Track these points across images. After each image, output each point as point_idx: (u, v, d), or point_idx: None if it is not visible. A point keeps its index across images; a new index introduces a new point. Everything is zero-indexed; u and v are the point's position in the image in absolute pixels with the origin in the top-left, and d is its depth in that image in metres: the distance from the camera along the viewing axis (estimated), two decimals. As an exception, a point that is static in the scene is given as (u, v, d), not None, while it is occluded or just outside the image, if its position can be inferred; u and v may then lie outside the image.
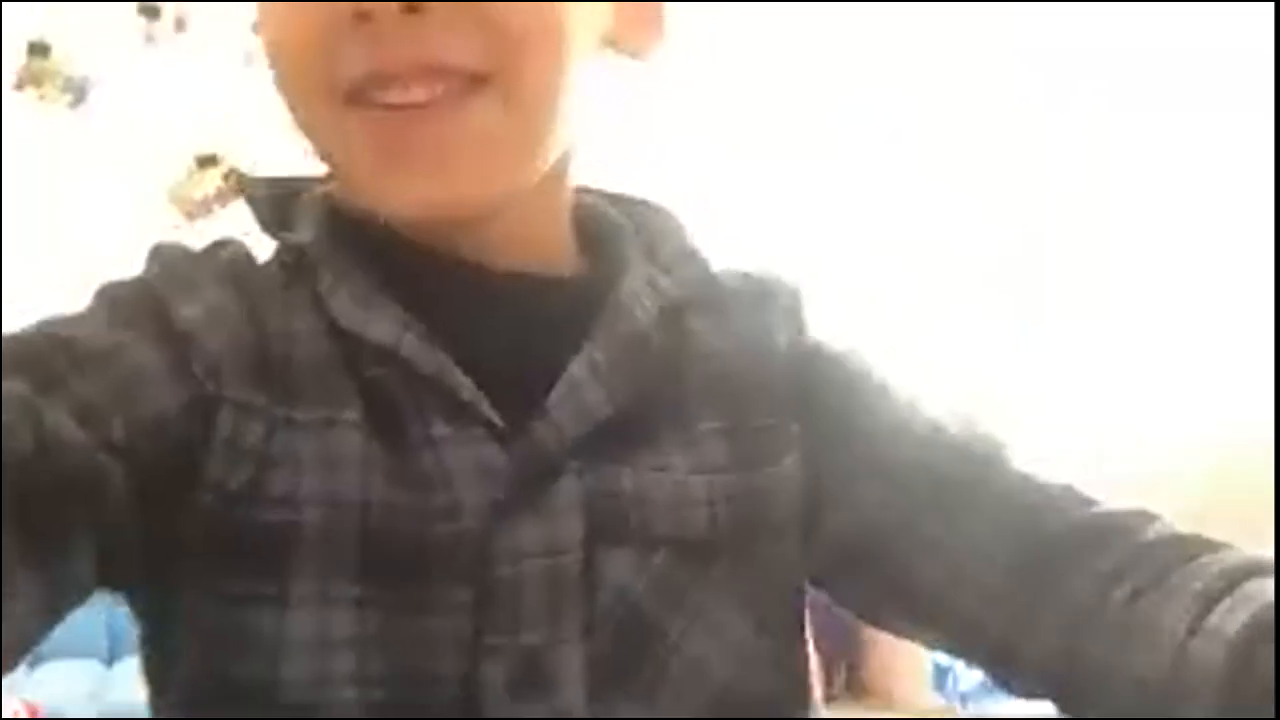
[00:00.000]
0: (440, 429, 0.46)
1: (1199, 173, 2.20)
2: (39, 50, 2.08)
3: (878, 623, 0.54)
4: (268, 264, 0.50)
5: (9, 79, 2.07)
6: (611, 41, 0.50)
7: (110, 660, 2.27)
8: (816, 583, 0.54)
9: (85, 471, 0.42)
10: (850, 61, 2.15)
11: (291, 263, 0.50)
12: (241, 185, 0.52)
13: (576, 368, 0.48)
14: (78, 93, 2.09)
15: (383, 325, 0.47)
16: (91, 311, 0.47)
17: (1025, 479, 0.51)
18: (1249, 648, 0.38)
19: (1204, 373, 2.24)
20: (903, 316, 2.17)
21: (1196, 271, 2.23)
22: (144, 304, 0.47)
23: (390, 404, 0.47)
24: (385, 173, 0.45)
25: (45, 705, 1.68)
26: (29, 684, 1.85)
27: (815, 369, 0.54)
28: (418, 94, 0.44)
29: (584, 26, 0.47)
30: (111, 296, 0.47)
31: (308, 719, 0.44)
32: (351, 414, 0.46)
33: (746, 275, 0.56)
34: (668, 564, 0.48)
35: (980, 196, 2.19)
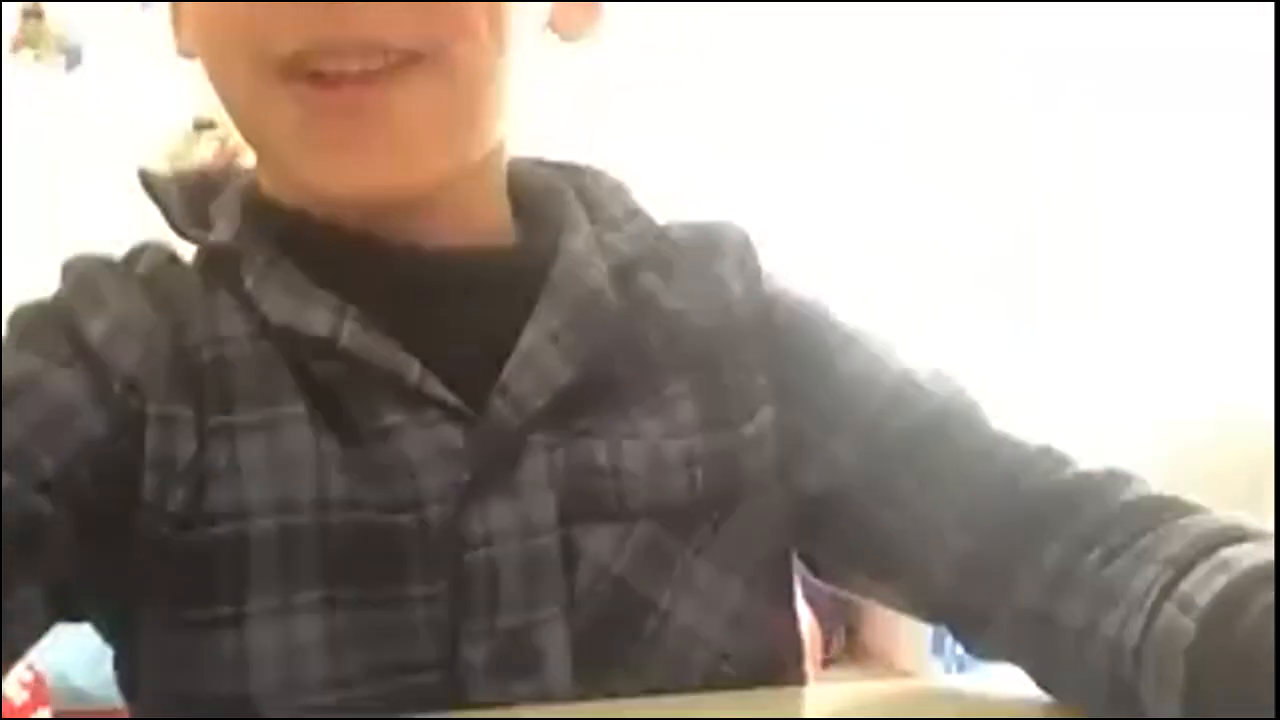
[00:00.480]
0: (394, 417, 0.44)
1: (1198, 173, 2.20)
2: (33, 13, 2.06)
3: (843, 583, 0.53)
4: (188, 266, 0.48)
5: (5, 40, 2.05)
6: (550, 24, 0.49)
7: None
8: (792, 538, 0.53)
9: (19, 519, 0.40)
10: (840, 61, 2.14)
11: (212, 262, 0.47)
12: (148, 185, 0.48)
13: (530, 336, 0.46)
14: (73, 55, 2.07)
15: (318, 315, 0.44)
16: (16, 336, 0.44)
17: (1000, 437, 0.49)
18: (1221, 616, 0.38)
19: (1201, 371, 2.24)
20: (894, 314, 2.16)
21: (1194, 270, 2.23)
22: (54, 325, 0.44)
23: (337, 397, 0.44)
24: (318, 151, 0.43)
25: (50, 672, 1.67)
26: (33, 650, 1.84)
27: (779, 319, 0.52)
28: (352, 66, 0.42)
29: (524, 7, 0.45)
30: (22, 324, 0.45)
31: None
32: (297, 410, 0.44)
33: (693, 226, 0.54)
34: (651, 534, 0.46)
35: (972, 195, 2.18)
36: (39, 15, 2.06)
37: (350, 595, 0.44)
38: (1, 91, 2.00)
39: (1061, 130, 2.18)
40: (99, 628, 0.48)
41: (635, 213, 0.53)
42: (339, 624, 0.43)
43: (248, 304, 0.46)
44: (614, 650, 0.46)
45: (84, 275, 0.47)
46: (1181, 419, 2.21)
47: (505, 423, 0.45)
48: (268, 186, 0.49)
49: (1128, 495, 0.46)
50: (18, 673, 1.72)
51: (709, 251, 0.53)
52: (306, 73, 0.42)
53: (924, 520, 0.48)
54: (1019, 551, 0.46)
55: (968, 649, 0.49)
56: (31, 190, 1.96)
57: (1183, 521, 0.43)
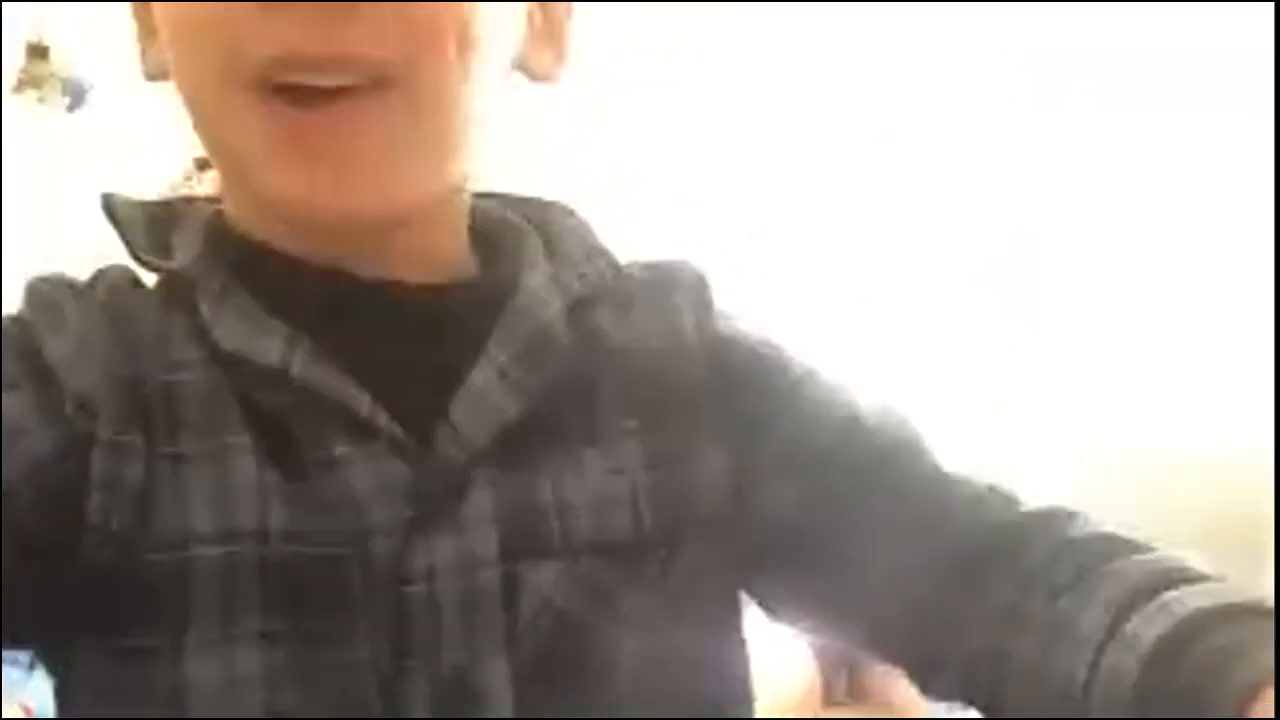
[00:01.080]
0: (341, 449, 0.44)
1: (1198, 173, 2.20)
2: (37, 52, 2.07)
3: (795, 623, 0.53)
4: (149, 292, 0.48)
5: (8, 81, 2.07)
6: (521, 64, 0.50)
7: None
8: (744, 578, 0.53)
9: None
10: (839, 62, 2.14)
11: (169, 289, 0.47)
12: (110, 210, 0.49)
13: (479, 372, 0.46)
14: (76, 95, 2.08)
15: (270, 344, 0.45)
16: None
17: (946, 477, 0.49)
18: (1165, 656, 0.38)
19: (1202, 373, 2.24)
20: (893, 318, 2.17)
21: (1195, 272, 2.22)
22: (14, 344, 0.45)
23: (285, 427, 0.44)
24: (283, 163, 0.43)
25: (39, 708, 1.67)
26: (28, 688, 1.84)
27: (731, 360, 0.52)
28: (324, 81, 0.42)
29: (494, 41, 0.46)
30: None
31: None
32: (243, 441, 0.44)
33: (650, 266, 0.54)
34: (594, 570, 0.46)
35: (972, 195, 2.18)
36: (43, 55, 2.07)
37: (290, 629, 0.43)
38: (2, 132, 2.02)
39: (1061, 131, 2.18)
40: (41, 658, 0.48)
41: (594, 251, 0.53)
42: (278, 659, 0.43)
43: (201, 331, 0.46)
44: (557, 690, 0.46)
45: (46, 295, 0.47)
46: (1181, 420, 2.20)
47: (450, 458, 0.45)
48: (232, 215, 0.50)
49: (1073, 532, 0.46)
50: (13, 709, 1.72)
51: (664, 290, 0.54)
52: (277, 85, 0.42)
53: (872, 562, 0.48)
54: (968, 591, 0.46)
55: (923, 689, 0.50)
56: (32, 228, 1.97)
57: (1128, 561, 0.44)
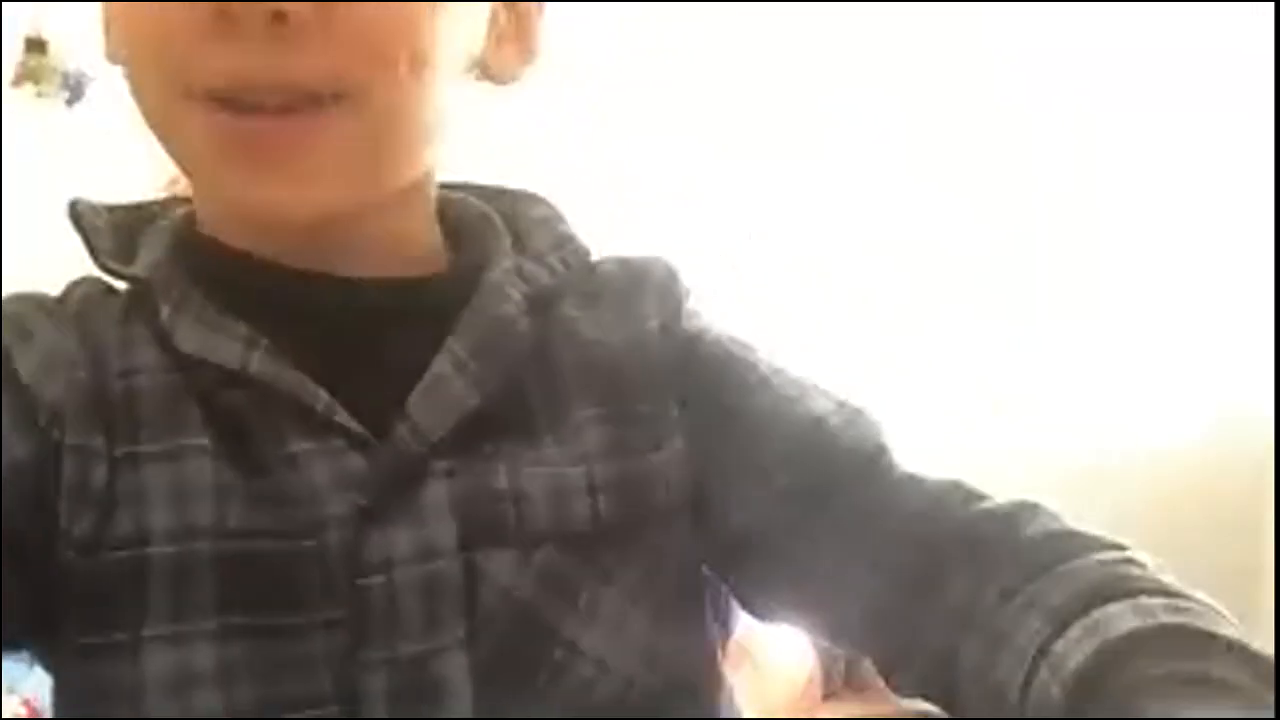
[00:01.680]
0: (299, 444, 0.45)
1: (1198, 173, 2.20)
2: (36, 46, 2.07)
3: (769, 617, 0.53)
4: (116, 299, 0.49)
5: (6, 76, 2.06)
6: (482, 65, 0.50)
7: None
8: (717, 573, 0.53)
9: None
10: (839, 62, 2.14)
11: (133, 296, 0.48)
12: (75, 216, 0.49)
13: (437, 365, 0.47)
14: (75, 89, 2.08)
15: (228, 346, 0.45)
16: None
17: (908, 479, 0.49)
18: (1082, 689, 0.38)
19: (1201, 370, 2.24)
20: (893, 318, 2.17)
21: (1194, 270, 2.23)
22: None
23: (244, 426, 0.45)
24: (233, 174, 0.44)
25: (46, 702, 1.67)
26: (30, 682, 1.84)
27: (696, 357, 0.52)
28: (273, 101, 0.42)
29: (450, 49, 0.46)
30: None
31: None
32: (200, 440, 0.45)
33: (623, 261, 0.55)
34: (553, 560, 0.46)
35: (971, 195, 2.18)
36: (42, 48, 2.07)
37: (246, 624, 0.44)
38: (1, 125, 2.02)
39: (1061, 130, 2.18)
40: (38, 661, 0.49)
41: (562, 241, 0.53)
42: (234, 654, 0.43)
43: (162, 335, 0.47)
44: (517, 680, 0.46)
45: (14, 313, 0.48)
46: (1181, 419, 2.20)
47: (407, 449, 0.45)
48: (200, 216, 0.50)
49: (1029, 531, 0.45)
50: (14, 705, 1.73)
51: (633, 283, 0.54)
52: (224, 99, 0.43)
53: (832, 560, 0.48)
54: (925, 590, 0.46)
55: (888, 684, 0.50)
56: (31, 223, 1.97)
57: (1073, 565, 0.43)
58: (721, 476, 0.51)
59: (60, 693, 0.47)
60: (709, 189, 2.11)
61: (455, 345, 0.47)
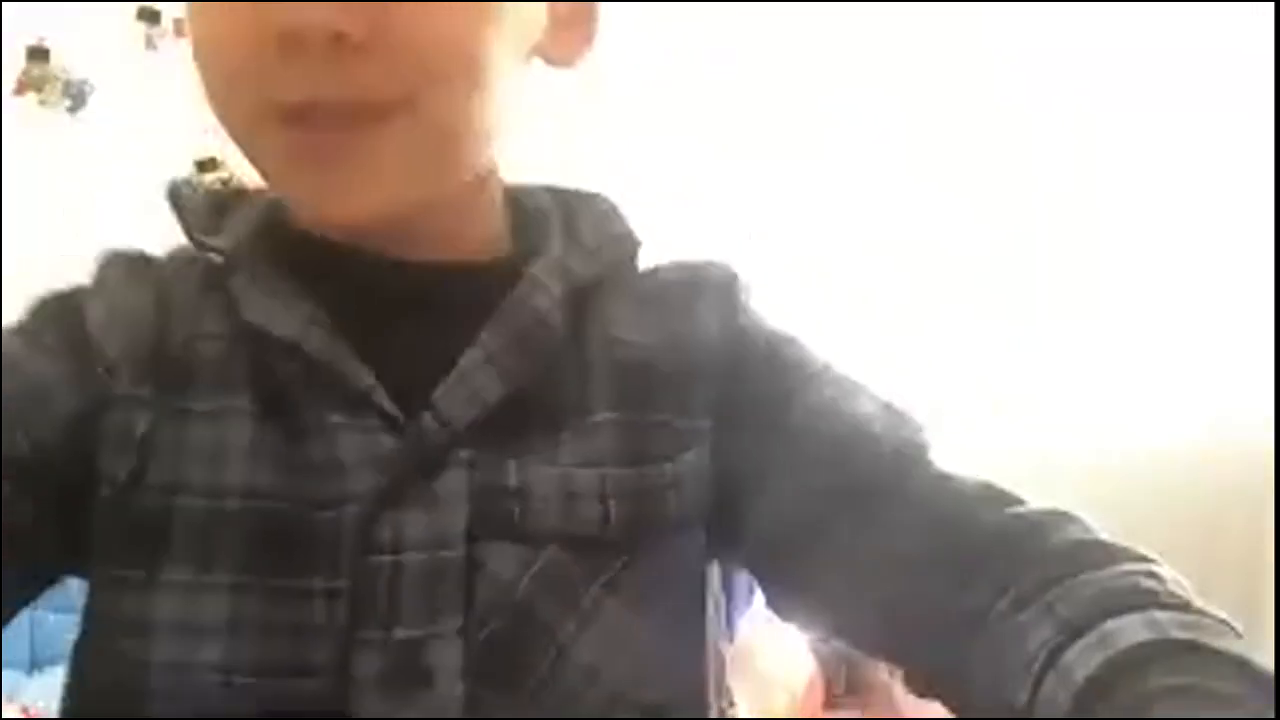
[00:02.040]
0: (336, 418, 0.47)
1: (1198, 173, 2.20)
2: (38, 55, 2.08)
3: (795, 621, 0.54)
4: (199, 269, 0.51)
5: (9, 84, 2.07)
6: (542, 51, 0.51)
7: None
8: (754, 573, 0.53)
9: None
10: (839, 62, 2.15)
11: (213, 268, 0.51)
12: (175, 196, 0.52)
13: (469, 356, 0.48)
14: (77, 98, 2.08)
15: (288, 320, 0.48)
16: (17, 324, 0.50)
17: (943, 482, 0.49)
18: (1092, 697, 0.38)
19: (1202, 374, 2.24)
20: (893, 317, 2.17)
21: (1194, 272, 2.23)
22: (62, 313, 0.49)
23: (290, 395, 0.47)
24: (303, 187, 0.47)
25: (44, 710, 1.67)
26: (29, 690, 1.84)
27: (744, 352, 0.53)
28: (340, 115, 0.45)
29: (508, 46, 0.47)
30: (34, 310, 0.50)
31: (172, 703, 0.45)
32: (245, 404, 0.47)
33: (681, 266, 0.55)
34: (557, 561, 0.47)
35: (972, 197, 2.18)
36: (44, 57, 2.07)
37: (258, 584, 0.45)
38: (2, 134, 2.02)
39: (1061, 131, 2.18)
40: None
41: (611, 239, 0.54)
42: (241, 610, 0.45)
43: (231, 305, 0.49)
44: (508, 678, 0.46)
45: (102, 265, 0.52)
46: (1181, 419, 2.20)
47: (430, 436, 0.47)
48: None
49: (1056, 540, 0.46)
50: (13, 711, 1.73)
51: (691, 289, 0.55)
52: (295, 116, 0.45)
53: (863, 559, 0.49)
54: (948, 591, 0.46)
55: (903, 679, 0.50)
56: (32, 228, 1.98)
57: (1091, 576, 0.43)
58: (763, 471, 0.51)
59: (83, 617, 0.49)
60: (710, 189, 2.11)
61: (487, 337, 0.48)
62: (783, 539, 0.50)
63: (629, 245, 0.54)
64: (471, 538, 0.46)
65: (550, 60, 0.52)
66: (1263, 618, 1.87)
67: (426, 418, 0.47)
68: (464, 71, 0.46)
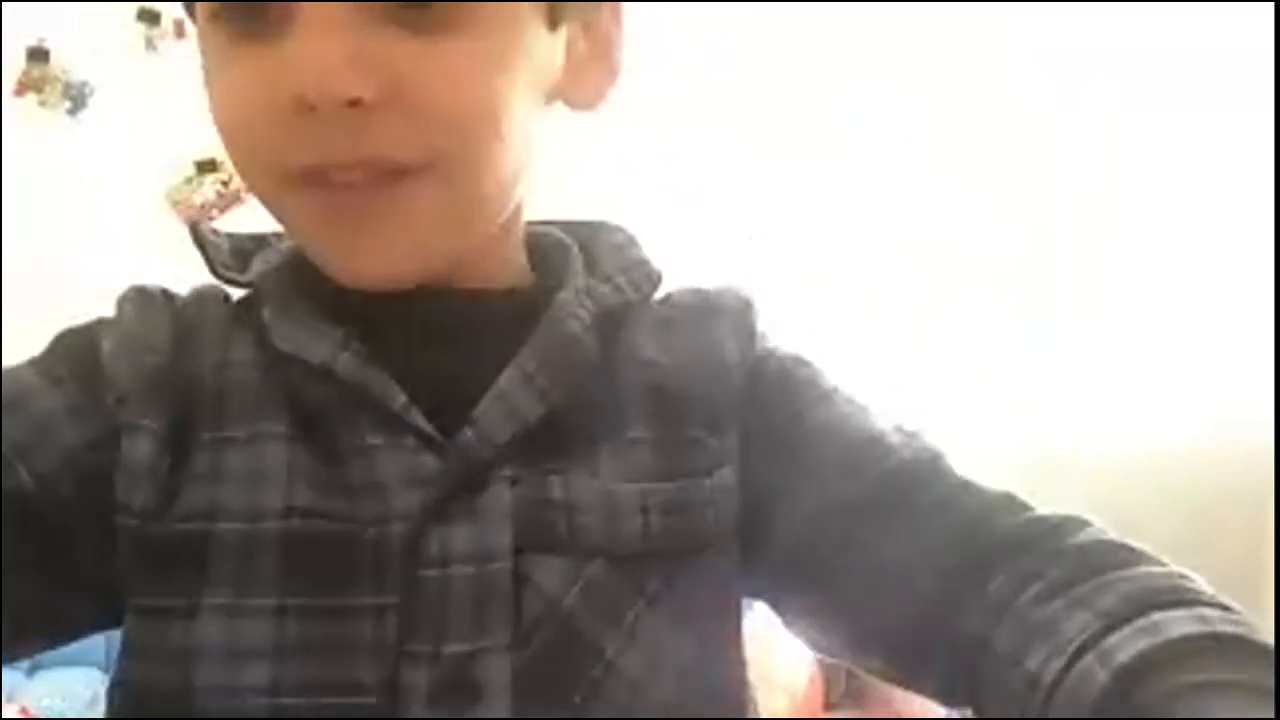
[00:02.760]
0: (373, 439, 0.47)
1: (1198, 174, 2.20)
2: (38, 56, 2.08)
3: (800, 628, 0.54)
4: (227, 305, 0.53)
5: (9, 85, 2.07)
6: (562, 94, 0.51)
7: (109, 668, 2.26)
8: (766, 599, 0.54)
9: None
10: (858, 61, 2.15)
11: (242, 304, 0.52)
12: (198, 236, 0.53)
13: (507, 375, 0.49)
14: (77, 99, 2.08)
15: (319, 346, 0.48)
16: (31, 360, 0.50)
17: (963, 486, 0.50)
18: (1133, 678, 0.38)
19: (1202, 372, 2.24)
20: (914, 316, 2.17)
21: (1195, 272, 2.23)
22: (77, 345, 0.50)
23: (325, 419, 0.48)
24: (332, 248, 0.48)
25: (45, 712, 1.67)
26: (29, 690, 1.84)
27: (762, 376, 0.54)
28: (359, 177, 0.46)
29: (523, 94, 0.48)
30: (53, 344, 0.51)
31: None
32: (279, 428, 0.48)
33: (697, 291, 0.57)
34: (602, 575, 0.48)
35: (968, 198, 2.18)
36: (44, 58, 2.07)
37: (301, 606, 0.45)
38: (2, 135, 2.02)
39: (1060, 131, 2.18)
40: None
41: (631, 265, 0.55)
42: (287, 631, 0.45)
43: (262, 338, 0.50)
44: (554, 694, 0.46)
45: (121, 300, 0.52)
46: (1181, 419, 2.20)
47: (474, 453, 0.47)
48: None
49: (1080, 538, 0.47)
50: (12, 713, 1.73)
51: (708, 314, 0.56)
52: (316, 178, 0.46)
53: (883, 567, 0.49)
54: (968, 587, 0.47)
55: (909, 682, 0.50)
56: (32, 230, 1.98)
57: (1126, 573, 0.44)
58: (780, 488, 0.52)
59: (121, 651, 0.49)
60: (729, 188, 2.12)
61: (524, 358, 0.49)
62: (806, 553, 0.51)
63: (648, 273, 0.56)
64: (518, 550, 0.47)
65: (572, 103, 0.52)
66: (1263, 617, 1.87)
67: (468, 434, 0.47)
68: (481, 126, 0.46)
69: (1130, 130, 2.20)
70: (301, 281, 0.51)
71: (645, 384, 0.52)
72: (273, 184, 0.47)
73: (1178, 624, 0.40)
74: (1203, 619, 0.40)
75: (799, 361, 0.56)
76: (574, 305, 0.51)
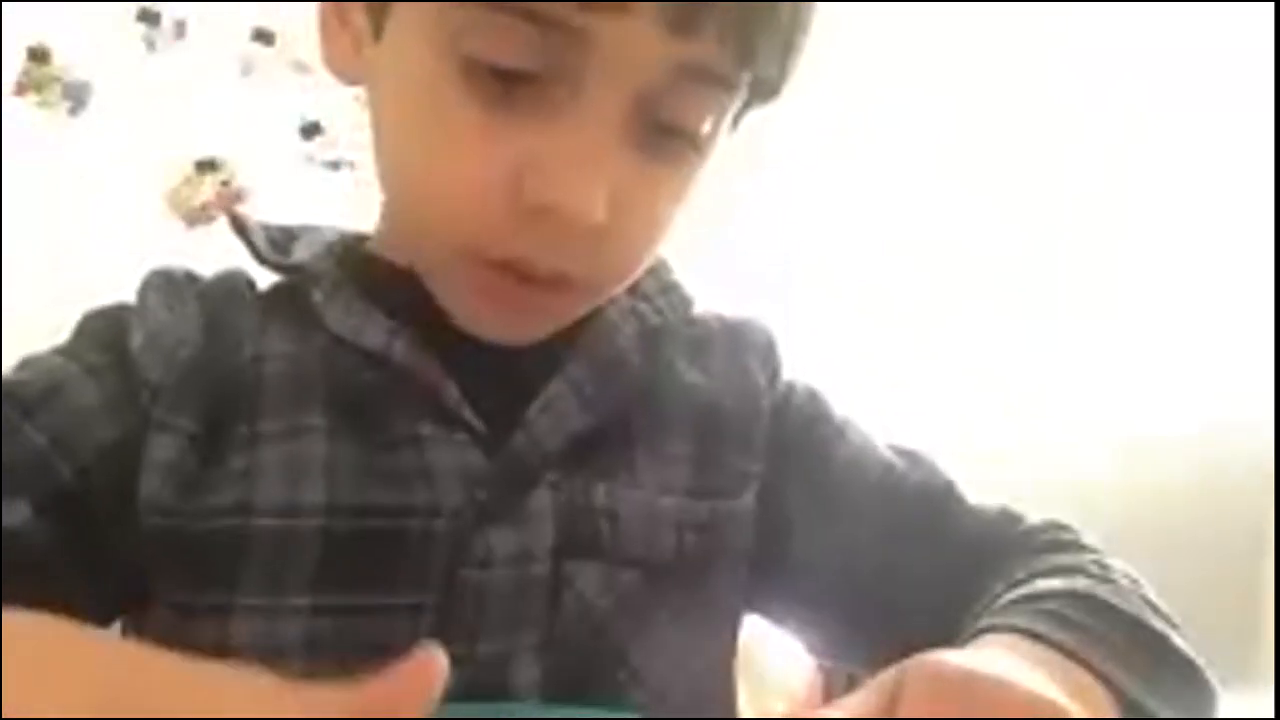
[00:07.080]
0: (425, 429, 0.47)
1: (1198, 173, 2.20)
2: (39, 56, 2.08)
3: (833, 657, 0.57)
4: (256, 293, 0.52)
5: (9, 85, 2.07)
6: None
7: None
8: (772, 616, 0.57)
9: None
10: (860, 61, 2.15)
11: (278, 290, 0.51)
12: (238, 225, 0.53)
13: (556, 384, 0.50)
14: (77, 99, 2.08)
15: (375, 332, 0.48)
16: (61, 347, 0.49)
17: (968, 514, 0.54)
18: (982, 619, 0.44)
19: (1202, 371, 2.24)
20: (914, 316, 2.17)
21: (1195, 271, 2.23)
22: (107, 332, 0.49)
23: (373, 405, 0.48)
24: (480, 318, 0.49)
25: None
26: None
27: (786, 414, 0.56)
28: (544, 274, 0.47)
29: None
30: (81, 328, 0.50)
31: None
32: (316, 421, 0.47)
33: (721, 317, 0.59)
34: (635, 584, 0.49)
35: (967, 199, 2.19)
36: (45, 58, 2.07)
37: (337, 603, 0.45)
38: (2, 135, 2.02)
39: (1059, 131, 2.19)
40: (126, 621, 0.51)
41: (667, 288, 0.57)
42: (322, 629, 0.45)
43: (301, 326, 0.49)
44: (580, 697, 0.47)
45: (145, 286, 0.51)
46: (1182, 419, 2.20)
47: (524, 455, 0.48)
48: (380, 240, 0.53)
49: (1041, 539, 0.52)
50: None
51: (737, 341, 0.58)
52: (501, 265, 0.46)
53: (897, 591, 0.53)
54: (974, 599, 0.50)
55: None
56: (32, 230, 1.98)
57: (1048, 559, 0.49)
58: (807, 520, 0.54)
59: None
60: (740, 189, 2.12)
61: (573, 369, 0.50)
62: (832, 578, 0.53)
63: (683, 296, 0.57)
64: (558, 553, 0.47)
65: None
66: (1263, 617, 1.87)
67: (518, 438, 0.48)
68: (652, 252, 0.49)
69: (1130, 130, 2.20)
70: (352, 270, 0.51)
71: (686, 401, 0.53)
72: (461, 260, 0.47)
73: (1046, 583, 0.45)
74: (1072, 579, 0.45)
75: (814, 396, 0.58)
76: (621, 322, 0.53)
